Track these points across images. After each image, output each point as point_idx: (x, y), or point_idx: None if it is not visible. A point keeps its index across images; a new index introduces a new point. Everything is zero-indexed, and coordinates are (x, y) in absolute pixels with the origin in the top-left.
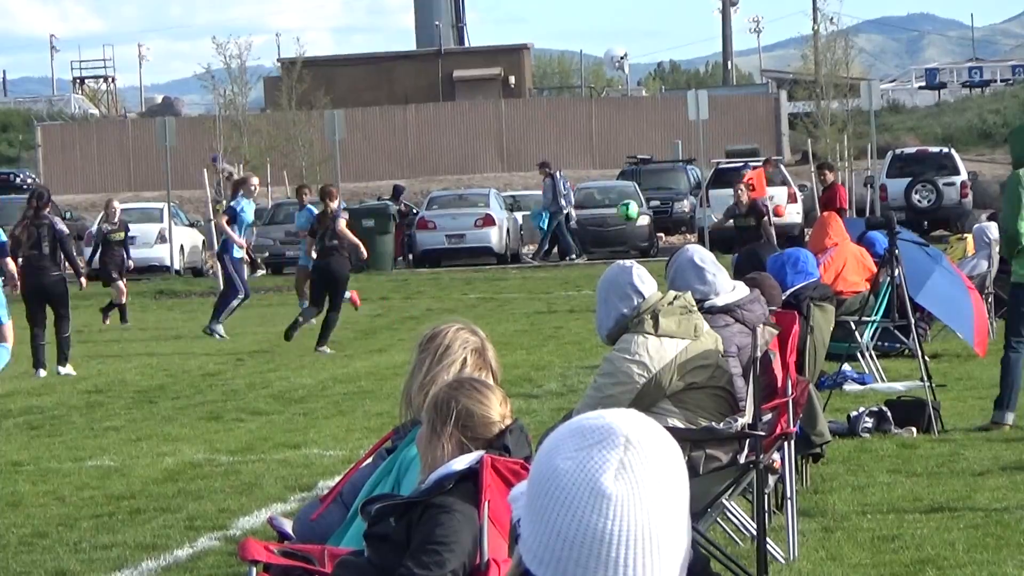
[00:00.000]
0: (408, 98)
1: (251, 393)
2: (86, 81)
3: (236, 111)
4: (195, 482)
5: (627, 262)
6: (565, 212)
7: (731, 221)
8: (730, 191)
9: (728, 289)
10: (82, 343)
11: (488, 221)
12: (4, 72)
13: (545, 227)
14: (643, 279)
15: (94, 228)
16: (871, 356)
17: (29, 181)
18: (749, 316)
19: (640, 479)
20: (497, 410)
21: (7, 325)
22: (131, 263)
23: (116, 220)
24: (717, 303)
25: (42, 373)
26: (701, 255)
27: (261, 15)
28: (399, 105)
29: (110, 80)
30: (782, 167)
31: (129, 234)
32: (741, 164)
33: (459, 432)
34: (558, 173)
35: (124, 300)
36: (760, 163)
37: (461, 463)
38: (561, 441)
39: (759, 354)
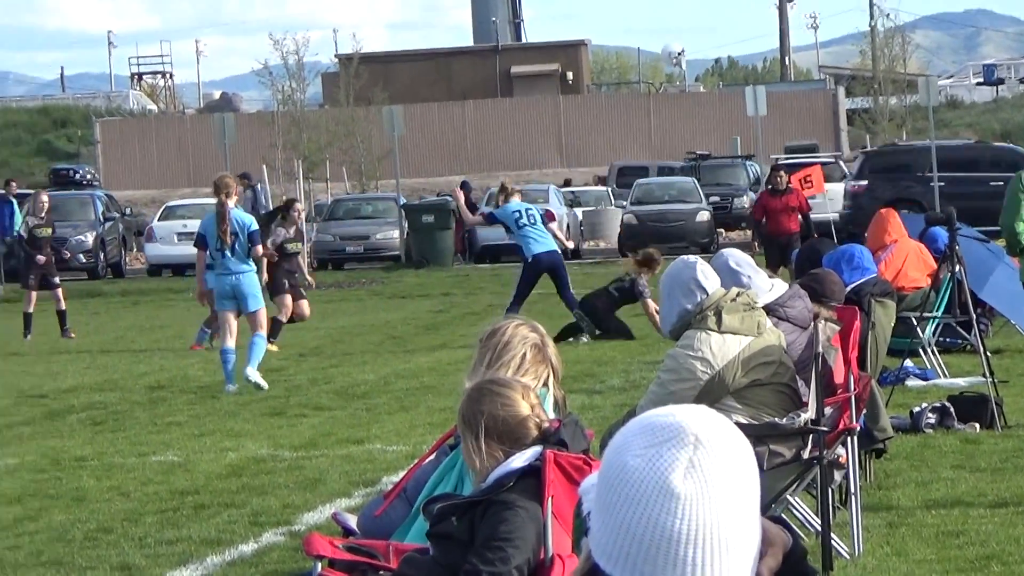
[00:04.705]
0: (466, 94)
1: (314, 389)
2: (144, 77)
3: (294, 107)
4: (259, 477)
5: (691, 257)
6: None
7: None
8: None
9: (766, 289)
10: (143, 337)
11: (548, 217)
12: (62, 68)
13: None
14: (707, 275)
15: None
16: (933, 352)
17: (88, 177)
18: (792, 312)
19: (709, 478)
20: (523, 405)
21: (262, 311)
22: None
23: (44, 214)
24: (758, 304)
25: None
26: (737, 259)
27: (318, 11)
28: (457, 101)
29: (168, 76)
30: (841, 163)
31: (56, 232)
32: (801, 160)
33: (496, 441)
34: (259, 186)
35: (31, 309)
36: (817, 160)
37: (520, 460)
38: (631, 438)
39: (820, 349)
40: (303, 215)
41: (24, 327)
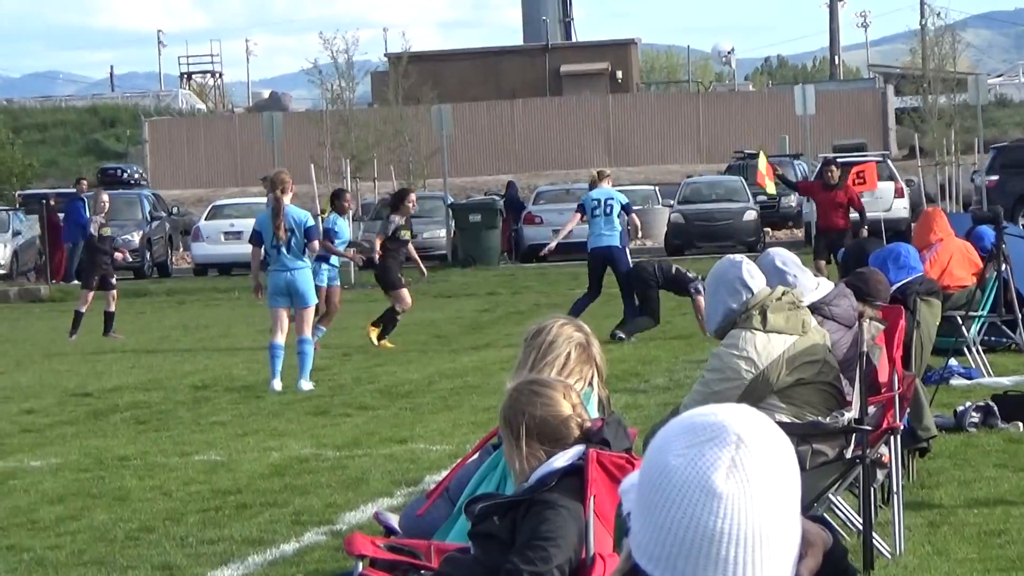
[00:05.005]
0: (515, 93)
1: (358, 388)
2: (193, 76)
3: (343, 106)
4: (301, 477)
5: (737, 257)
6: None
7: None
8: None
9: (812, 287)
10: (188, 337)
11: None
12: (112, 67)
13: None
14: (752, 274)
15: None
16: (978, 351)
17: (136, 176)
18: (837, 311)
19: (751, 478)
20: (564, 404)
21: (311, 309)
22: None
23: (104, 214)
24: (803, 303)
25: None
26: (783, 258)
27: (367, 9)
28: (506, 100)
29: (217, 75)
30: (889, 163)
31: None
32: (849, 159)
33: (537, 441)
34: None
35: (85, 309)
36: (871, 158)
37: (562, 459)
38: (672, 437)
39: (864, 348)
40: (415, 205)
41: (72, 326)
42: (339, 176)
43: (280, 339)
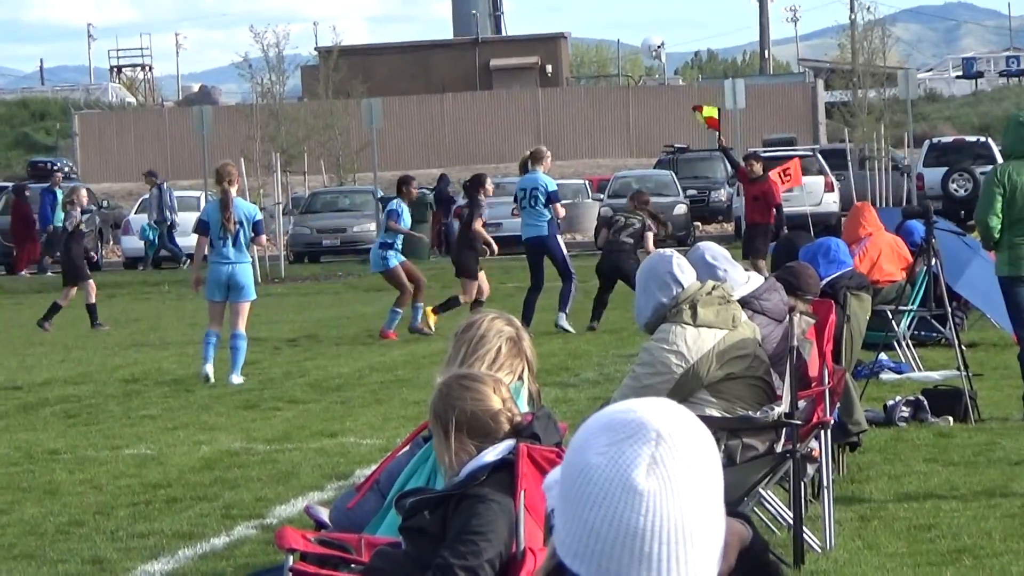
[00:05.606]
0: (445, 87)
1: (288, 382)
2: (123, 70)
3: (273, 99)
4: (232, 471)
5: (667, 251)
6: (169, 222)
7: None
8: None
9: (742, 281)
10: (118, 331)
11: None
12: (41, 61)
13: (155, 239)
14: (683, 269)
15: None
16: (908, 345)
17: (67, 170)
18: (767, 306)
19: (672, 474)
20: (494, 399)
21: (248, 304)
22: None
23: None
24: (734, 297)
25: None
26: (713, 252)
27: (298, 4)
28: (436, 94)
29: (147, 69)
30: (819, 157)
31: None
32: (777, 153)
33: (467, 436)
34: (164, 184)
35: (94, 299)
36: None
37: (492, 454)
38: (592, 435)
39: (795, 343)
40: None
41: (92, 318)
42: (269, 170)
43: (216, 328)
